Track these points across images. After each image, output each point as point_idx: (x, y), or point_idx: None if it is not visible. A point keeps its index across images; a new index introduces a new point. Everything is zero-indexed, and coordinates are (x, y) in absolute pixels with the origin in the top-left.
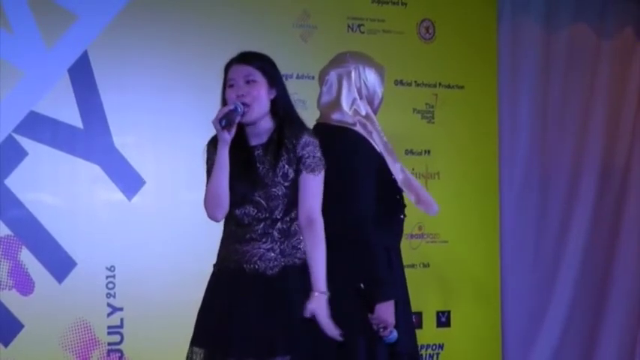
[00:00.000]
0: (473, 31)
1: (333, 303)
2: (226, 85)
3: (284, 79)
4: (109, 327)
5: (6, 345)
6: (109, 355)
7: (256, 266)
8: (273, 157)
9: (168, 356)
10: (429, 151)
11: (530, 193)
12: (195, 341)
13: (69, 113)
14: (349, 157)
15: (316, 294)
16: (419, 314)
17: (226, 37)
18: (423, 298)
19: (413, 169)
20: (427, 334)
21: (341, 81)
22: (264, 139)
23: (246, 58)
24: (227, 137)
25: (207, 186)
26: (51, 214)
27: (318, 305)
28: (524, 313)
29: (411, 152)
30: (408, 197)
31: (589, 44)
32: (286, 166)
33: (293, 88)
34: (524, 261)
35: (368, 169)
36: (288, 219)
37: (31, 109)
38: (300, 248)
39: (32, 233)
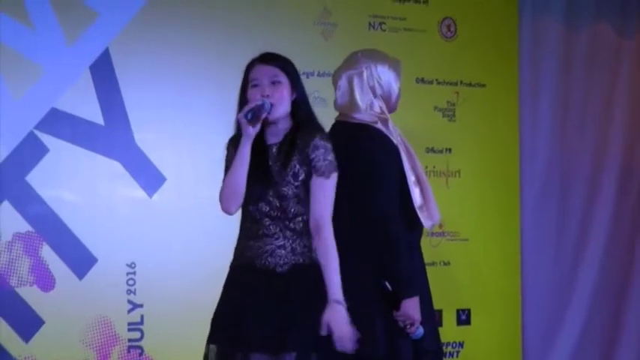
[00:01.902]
0: (494, 29)
1: (355, 302)
2: (248, 84)
3: (305, 77)
4: (129, 323)
5: (27, 341)
6: (129, 352)
7: (267, 262)
8: (285, 156)
9: (188, 353)
10: (450, 150)
11: (550, 192)
12: (210, 339)
13: (90, 110)
14: (371, 153)
15: (332, 303)
16: (439, 312)
17: (247, 34)
18: (444, 296)
19: (434, 167)
20: (447, 332)
21: (352, 82)
22: (280, 138)
23: (270, 58)
24: (251, 132)
25: (224, 179)
26: (72, 211)
27: (334, 316)
28: (545, 312)
29: (432, 150)
30: (414, 199)
31: (610, 43)
32: (297, 166)
33: (314, 86)
34: (544, 259)
35: (390, 166)
36: (299, 219)
37: (52, 106)
38: (311, 248)
39: (53, 230)
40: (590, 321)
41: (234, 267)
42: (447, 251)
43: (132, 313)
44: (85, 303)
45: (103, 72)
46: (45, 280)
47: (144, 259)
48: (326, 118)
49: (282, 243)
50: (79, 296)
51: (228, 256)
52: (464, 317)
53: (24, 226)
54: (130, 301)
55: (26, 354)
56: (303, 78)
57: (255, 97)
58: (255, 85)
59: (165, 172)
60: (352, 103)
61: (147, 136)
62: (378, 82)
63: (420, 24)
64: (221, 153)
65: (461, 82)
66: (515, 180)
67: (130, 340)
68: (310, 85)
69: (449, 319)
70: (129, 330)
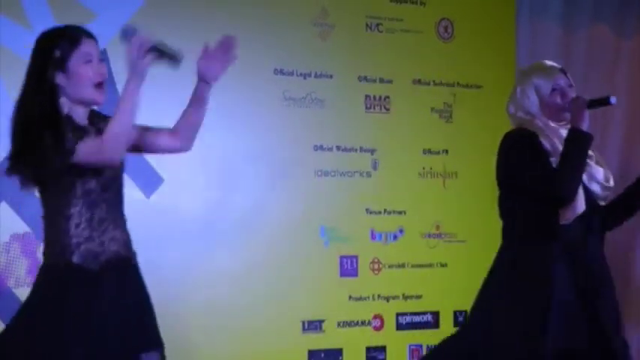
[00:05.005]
0: (491, 30)
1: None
2: (70, 55)
3: (302, 77)
4: None
5: None
6: None
7: (110, 254)
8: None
9: (184, 353)
10: (446, 151)
11: None
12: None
13: None
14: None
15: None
16: (436, 314)
17: (245, 34)
18: (441, 297)
19: (431, 169)
20: (445, 333)
21: (508, 102)
22: (85, 121)
23: (91, 34)
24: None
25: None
26: None
27: None
28: None
29: (429, 152)
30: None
31: (608, 44)
32: None
33: (311, 86)
34: None
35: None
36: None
37: None
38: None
39: None
40: None
41: (68, 264)
42: (444, 253)
43: None
44: None
45: None
46: None
47: (140, 259)
48: (323, 118)
49: (117, 233)
50: None
51: (226, 257)
52: (461, 319)
53: (21, 227)
54: None
55: None
56: (300, 79)
57: (88, 75)
58: (89, 62)
59: (163, 173)
60: (513, 119)
61: None
62: (527, 97)
63: (417, 25)
64: (220, 153)
65: (458, 84)
66: None
67: None
68: (307, 86)
69: (446, 321)
70: None
